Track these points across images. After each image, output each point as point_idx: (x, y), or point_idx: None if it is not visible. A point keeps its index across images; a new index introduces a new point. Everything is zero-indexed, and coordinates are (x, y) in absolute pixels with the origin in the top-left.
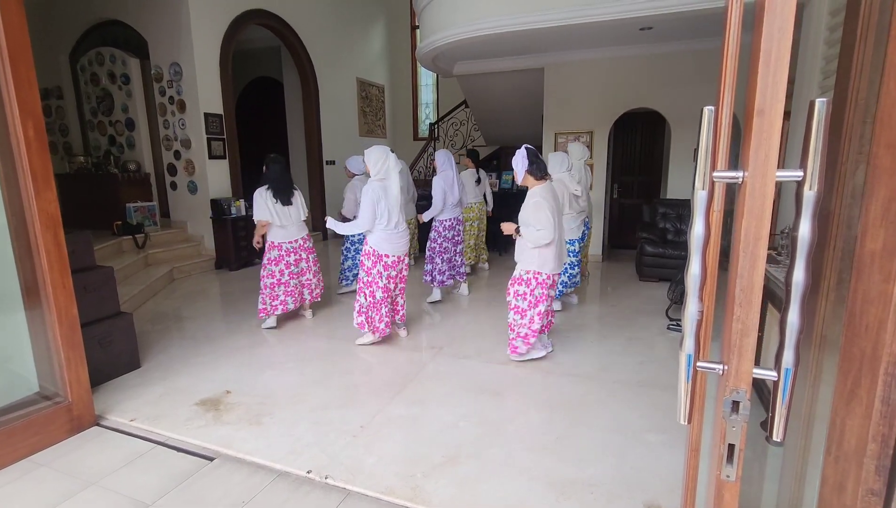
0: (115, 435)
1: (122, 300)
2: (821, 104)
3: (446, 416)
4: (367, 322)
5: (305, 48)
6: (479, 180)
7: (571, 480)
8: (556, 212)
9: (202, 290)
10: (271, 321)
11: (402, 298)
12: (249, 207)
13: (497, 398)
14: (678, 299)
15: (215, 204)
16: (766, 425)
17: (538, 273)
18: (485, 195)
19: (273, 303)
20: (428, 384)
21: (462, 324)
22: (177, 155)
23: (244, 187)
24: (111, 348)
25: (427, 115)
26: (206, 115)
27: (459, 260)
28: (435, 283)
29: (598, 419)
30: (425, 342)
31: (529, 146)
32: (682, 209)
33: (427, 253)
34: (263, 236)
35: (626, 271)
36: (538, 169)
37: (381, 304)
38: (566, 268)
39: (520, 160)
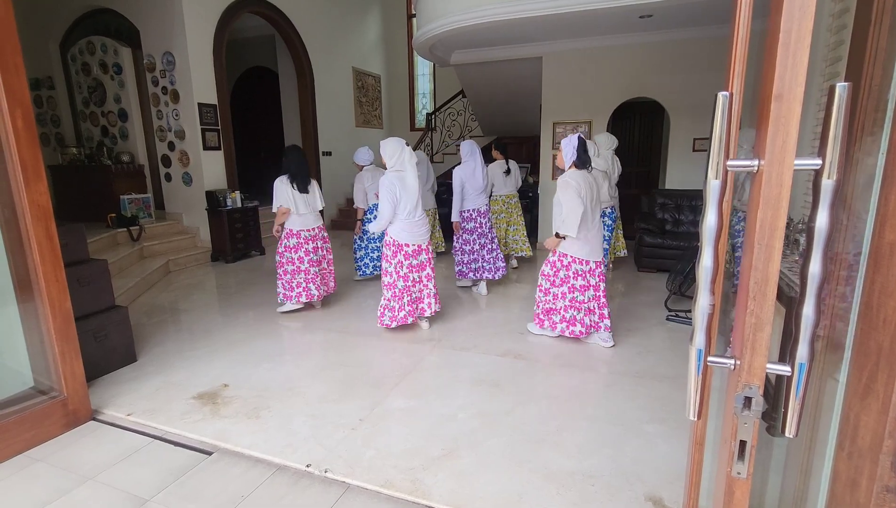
0: (112, 430)
1: (117, 293)
2: (841, 88)
3: (445, 408)
4: (390, 315)
5: (300, 37)
6: (507, 172)
7: (571, 472)
8: (586, 197)
9: (198, 282)
10: (290, 306)
11: (432, 286)
12: (245, 199)
13: (495, 389)
14: (677, 289)
15: (211, 196)
16: (767, 416)
17: (564, 255)
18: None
19: (297, 290)
20: (426, 376)
21: (460, 316)
22: (171, 146)
23: (240, 179)
24: (106, 341)
25: (424, 105)
26: (201, 105)
27: (487, 255)
28: (460, 275)
29: (597, 411)
30: (423, 334)
31: (582, 137)
32: (681, 200)
33: (458, 252)
34: (282, 225)
35: (624, 261)
36: (583, 162)
37: (403, 293)
38: None
39: (570, 149)
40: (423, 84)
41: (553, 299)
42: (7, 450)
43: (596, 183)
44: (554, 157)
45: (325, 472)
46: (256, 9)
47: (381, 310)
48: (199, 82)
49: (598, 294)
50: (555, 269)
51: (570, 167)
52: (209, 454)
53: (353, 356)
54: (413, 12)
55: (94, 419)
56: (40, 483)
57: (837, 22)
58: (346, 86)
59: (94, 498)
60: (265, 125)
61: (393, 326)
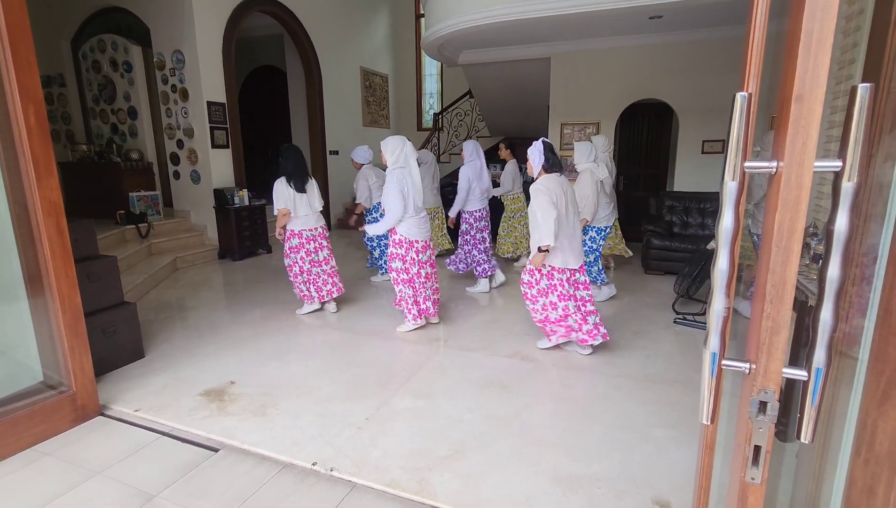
0: (120, 425)
1: (125, 290)
2: (863, 90)
3: (452, 409)
4: (409, 311)
5: (309, 36)
6: (521, 169)
7: (578, 475)
8: (560, 202)
9: (205, 280)
10: (307, 306)
11: (436, 282)
12: (253, 197)
13: (502, 391)
14: (685, 292)
15: (218, 194)
16: (778, 420)
17: (543, 265)
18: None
19: (317, 290)
20: (433, 376)
21: (468, 316)
22: (179, 144)
23: (247, 177)
24: (115, 337)
25: (431, 105)
26: (209, 103)
27: (484, 254)
28: (478, 273)
29: (605, 414)
30: (431, 334)
31: (546, 140)
32: (689, 202)
33: (461, 246)
34: (284, 227)
35: (631, 263)
36: (552, 165)
37: (422, 288)
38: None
39: (536, 154)
40: (431, 84)
41: (543, 310)
42: (16, 444)
43: (587, 180)
44: (565, 158)
45: (331, 471)
46: (266, 8)
47: (408, 309)
48: (208, 81)
49: (578, 304)
50: (535, 278)
51: (539, 174)
52: (216, 450)
53: (361, 355)
54: (421, 12)
55: (103, 414)
56: (49, 477)
57: (852, 23)
58: (353, 85)
59: (102, 493)
60: (273, 124)
61: (421, 320)
